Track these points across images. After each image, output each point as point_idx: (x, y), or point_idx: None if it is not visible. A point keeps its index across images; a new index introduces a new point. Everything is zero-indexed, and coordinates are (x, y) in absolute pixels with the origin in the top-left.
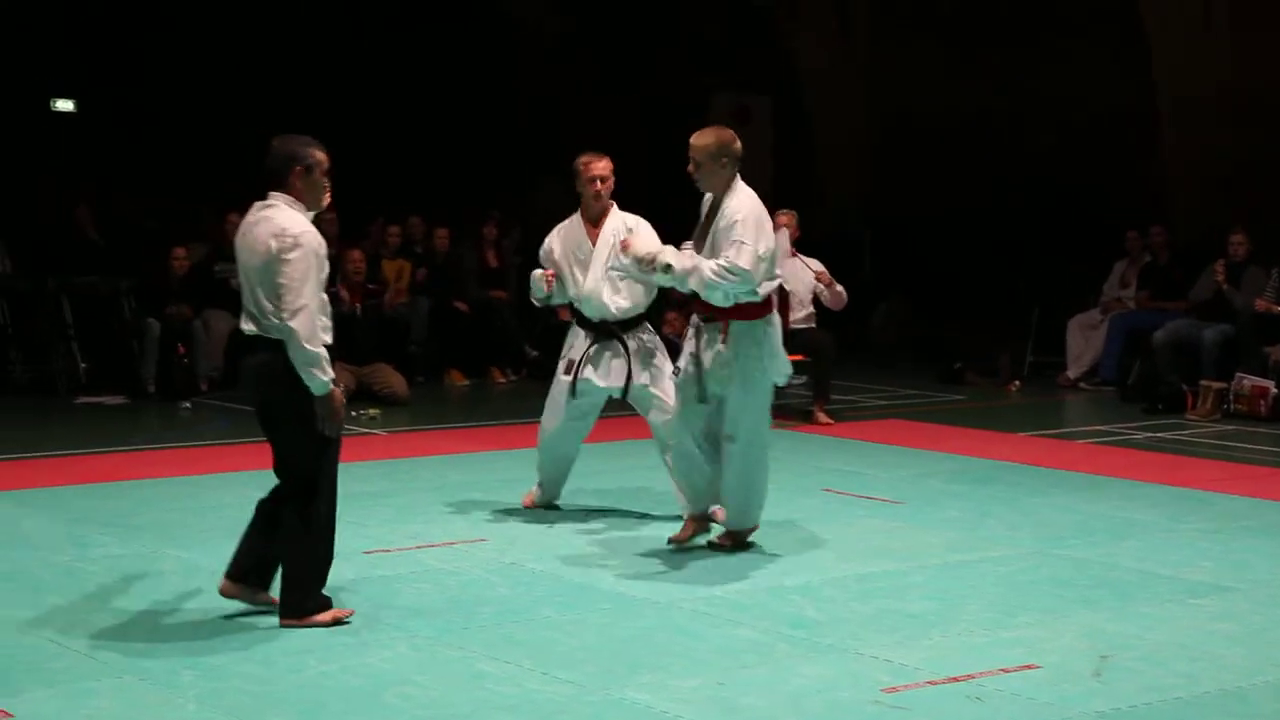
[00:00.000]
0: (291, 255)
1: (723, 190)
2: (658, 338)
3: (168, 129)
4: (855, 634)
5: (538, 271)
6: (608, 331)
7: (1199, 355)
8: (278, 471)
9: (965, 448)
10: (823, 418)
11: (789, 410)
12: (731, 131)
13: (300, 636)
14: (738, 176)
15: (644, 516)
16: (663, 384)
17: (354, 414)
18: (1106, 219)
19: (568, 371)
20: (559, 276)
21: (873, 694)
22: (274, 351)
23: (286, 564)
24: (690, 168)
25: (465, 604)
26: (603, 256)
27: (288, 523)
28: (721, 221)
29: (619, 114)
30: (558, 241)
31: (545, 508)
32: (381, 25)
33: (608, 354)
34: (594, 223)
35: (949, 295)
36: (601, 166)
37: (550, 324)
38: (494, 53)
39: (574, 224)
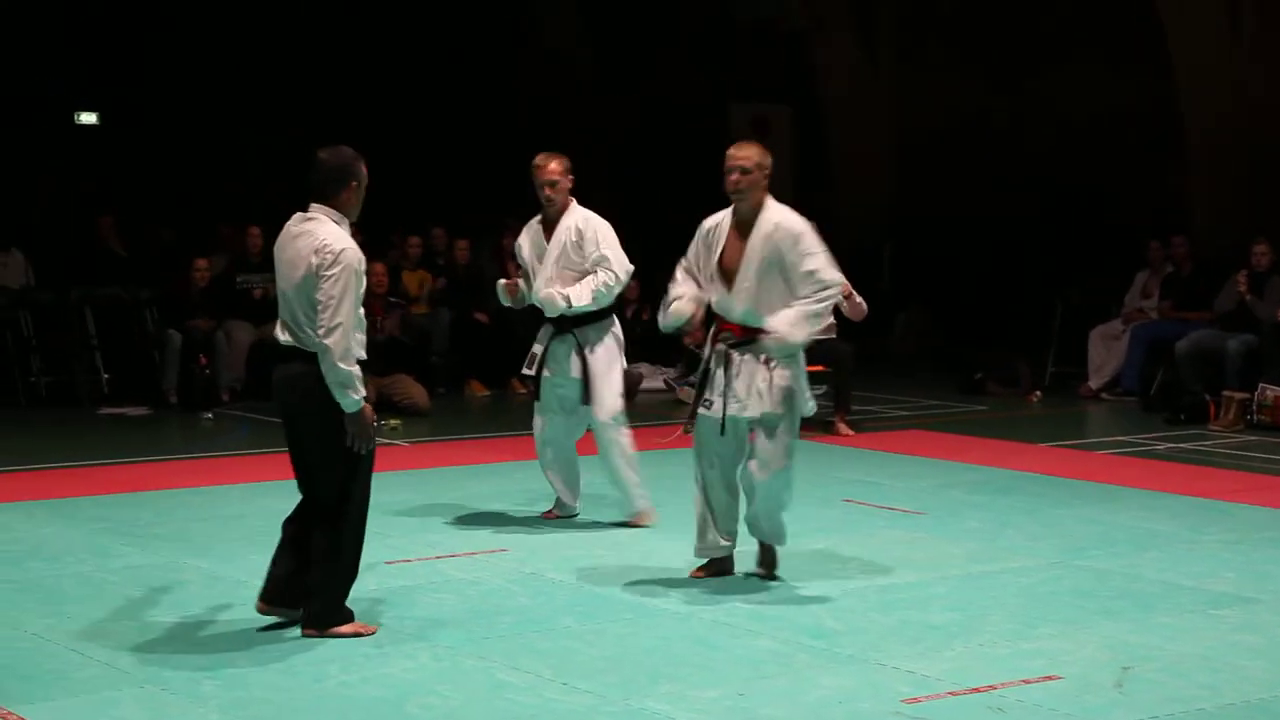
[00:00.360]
0: (332, 271)
1: (759, 205)
2: (618, 334)
3: (171, 132)
4: (876, 645)
5: (502, 281)
6: (565, 326)
7: (1222, 365)
8: (304, 486)
9: (986, 458)
10: (843, 429)
11: (809, 421)
12: None
13: (322, 646)
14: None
15: (664, 527)
16: (601, 389)
17: (375, 424)
18: (1126, 228)
19: (529, 366)
20: (526, 276)
21: (893, 705)
22: (309, 364)
23: (315, 575)
24: (735, 178)
25: (486, 614)
26: (553, 257)
27: (318, 535)
28: (778, 234)
29: (619, 114)
30: (527, 241)
31: (566, 518)
32: (389, 31)
33: (565, 348)
34: (551, 222)
35: (969, 305)
36: (552, 169)
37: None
38: (497, 55)
39: (536, 224)
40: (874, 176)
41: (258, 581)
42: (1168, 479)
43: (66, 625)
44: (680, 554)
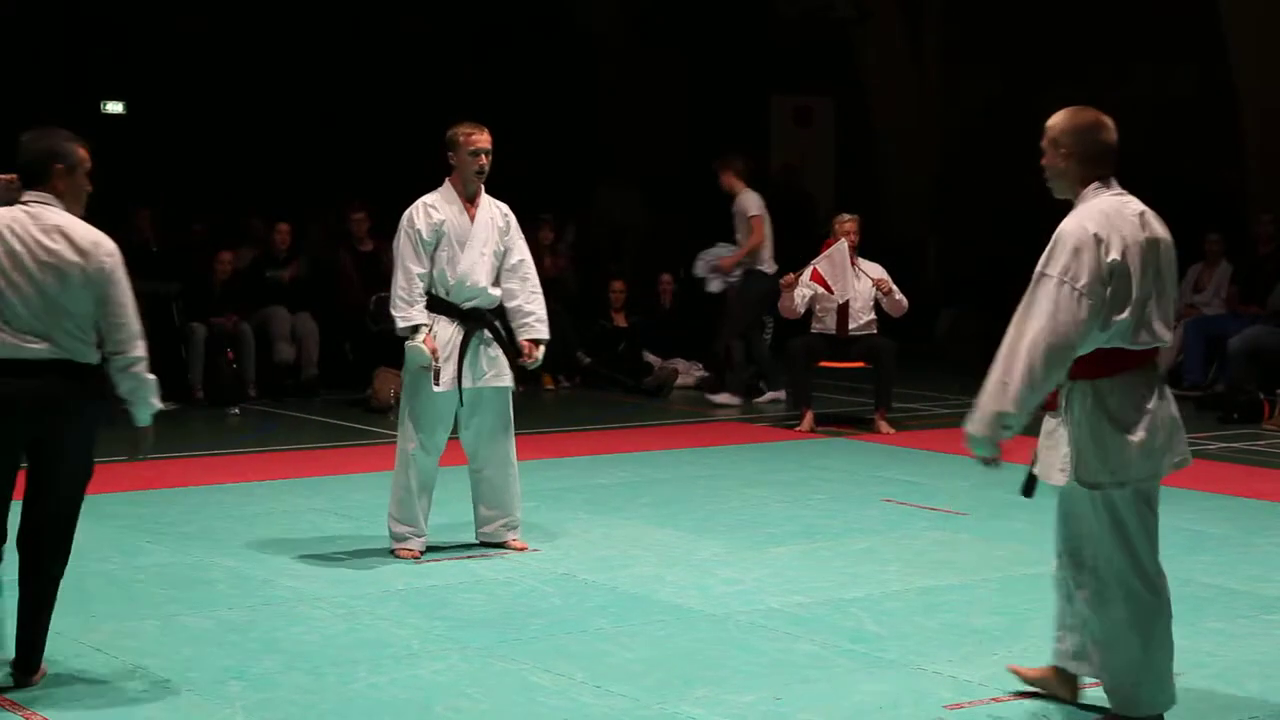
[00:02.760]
0: (119, 275)
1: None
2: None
3: (200, 121)
4: (918, 649)
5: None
6: (480, 319)
7: (1277, 363)
8: (38, 514)
9: (1030, 458)
10: (884, 427)
11: (849, 419)
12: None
13: (350, 648)
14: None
15: (699, 527)
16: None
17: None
18: (1180, 220)
19: (438, 382)
20: (429, 255)
21: (935, 711)
22: (73, 377)
23: (46, 617)
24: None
25: (517, 615)
26: (481, 239)
27: (55, 564)
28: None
29: (663, 105)
30: (449, 215)
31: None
32: (426, 17)
33: (481, 346)
34: (470, 200)
35: (1015, 300)
36: (489, 138)
37: (605, 329)
38: (533, 43)
39: (449, 198)
40: (918, 169)
41: (287, 580)
42: (1220, 480)
43: (92, 624)
44: (718, 553)
